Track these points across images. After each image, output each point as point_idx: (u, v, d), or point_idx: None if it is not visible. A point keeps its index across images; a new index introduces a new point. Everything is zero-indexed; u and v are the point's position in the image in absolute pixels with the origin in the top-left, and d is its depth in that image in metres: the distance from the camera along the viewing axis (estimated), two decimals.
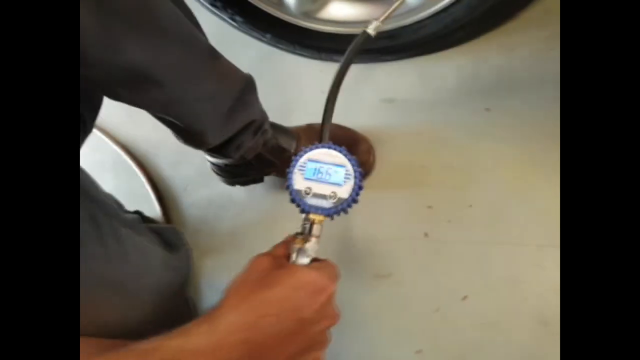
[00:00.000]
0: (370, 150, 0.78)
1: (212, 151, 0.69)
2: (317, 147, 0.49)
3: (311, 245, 0.47)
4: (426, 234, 0.75)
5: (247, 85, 0.62)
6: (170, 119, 0.58)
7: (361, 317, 0.75)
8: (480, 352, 0.69)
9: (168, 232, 0.70)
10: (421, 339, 0.72)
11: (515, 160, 0.74)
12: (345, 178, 0.47)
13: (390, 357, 0.72)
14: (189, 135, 0.63)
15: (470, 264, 0.71)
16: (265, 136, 0.69)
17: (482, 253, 0.71)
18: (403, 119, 0.81)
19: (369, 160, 0.77)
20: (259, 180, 0.82)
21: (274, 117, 0.73)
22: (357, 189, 0.47)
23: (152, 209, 0.94)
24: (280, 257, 0.45)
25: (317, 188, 0.47)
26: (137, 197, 0.95)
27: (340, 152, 0.48)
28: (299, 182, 0.48)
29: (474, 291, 0.71)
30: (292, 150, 0.74)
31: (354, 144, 0.77)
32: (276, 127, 0.73)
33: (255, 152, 0.70)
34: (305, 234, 0.47)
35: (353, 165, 0.48)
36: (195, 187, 0.94)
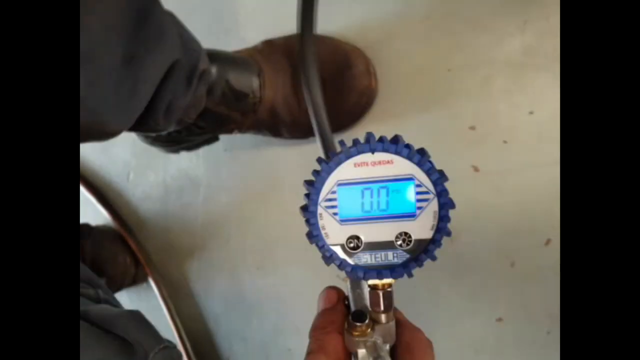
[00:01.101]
0: (369, 69, 0.51)
1: (132, 130, 0.42)
2: (345, 156, 0.27)
3: (386, 330, 0.28)
4: (476, 168, 0.53)
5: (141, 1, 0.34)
6: None
7: (424, 292, 0.56)
8: None
9: (127, 325, 0.43)
10: (500, 303, 0.54)
11: None
12: (419, 200, 0.27)
13: (469, 329, 0.56)
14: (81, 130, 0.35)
15: (547, 195, 0.51)
16: (208, 79, 0.43)
17: (557, 177, 0.50)
18: (401, 2, 0.52)
19: (371, 84, 0.51)
20: (212, 139, 0.57)
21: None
22: (445, 214, 0.27)
23: (97, 213, 0.71)
24: None
25: (370, 232, 0.27)
26: None
27: (395, 150, 0.27)
28: (332, 230, 0.28)
29: (558, 231, 0.51)
30: (257, 91, 0.48)
31: (344, 67, 0.50)
32: (221, 59, 0.46)
33: (198, 110, 0.44)
34: (367, 312, 0.28)
35: (428, 171, 0.27)
36: (140, 173, 0.69)
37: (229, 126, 0.50)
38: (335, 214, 0.27)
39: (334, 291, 0.32)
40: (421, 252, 0.27)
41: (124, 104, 0.34)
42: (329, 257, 0.28)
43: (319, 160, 0.28)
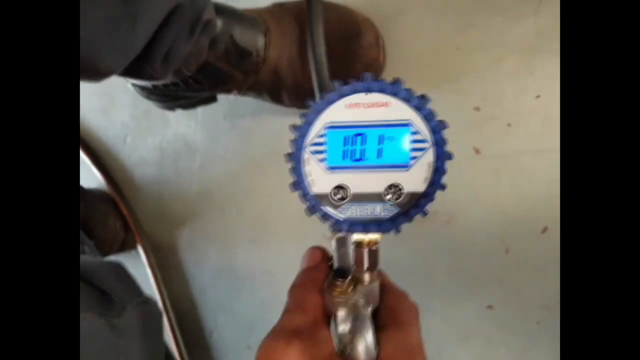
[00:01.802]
0: (378, 41, 0.50)
1: (126, 75, 0.41)
2: (337, 94, 0.25)
3: (369, 291, 0.26)
4: (477, 150, 0.52)
5: None
6: None
7: (410, 275, 0.55)
8: None
9: (106, 275, 0.42)
10: (493, 290, 0.53)
11: None
12: (414, 149, 0.24)
13: (460, 315, 0.55)
14: None
15: (547, 182, 0.50)
16: (212, 31, 0.42)
17: (559, 164, 0.49)
18: None
19: (379, 57, 0.51)
20: (210, 99, 0.55)
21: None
22: (441, 166, 0.25)
23: (92, 175, 0.70)
24: (319, 340, 0.24)
25: (358, 183, 0.25)
26: None
27: (392, 91, 0.25)
28: (318, 178, 0.26)
29: (556, 219, 0.50)
30: (262, 50, 0.47)
31: (352, 36, 0.49)
32: (228, 13, 0.45)
33: (198, 62, 0.43)
34: (350, 271, 0.27)
35: (427, 116, 0.25)
36: (137, 136, 0.67)
37: (229, 85, 0.49)
38: (322, 160, 0.25)
39: (319, 250, 0.31)
40: (412, 206, 0.25)
41: (120, 42, 0.33)
42: (312, 208, 0.26)
43: (307, 100, 0.26)
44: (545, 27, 0.48)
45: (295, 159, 0.25)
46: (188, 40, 0.39)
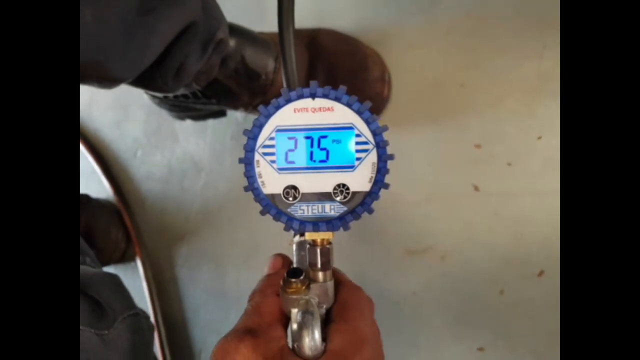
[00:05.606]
0: (384, 76, 0.51)
1: (138, 85, 0.43)
2: (284, 100, 0.27)
3: (323, 290, 0.28)
4: (476, 187, 0.52)
5: None
6: None
7: (399, 309, 0.54)
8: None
9: (102, 286, 0.43)
10: (484, 332, 0.52)
11: None
12: (358, 151, 0.26)
13: (449, 356, 0.53)
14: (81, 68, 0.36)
15: (545, 224, 0.49)
16: (224, 51, 0.43)
17: (558, 207, 0.49)
18: (419, 10, 0.53)
19: (384, 92, 0.52)
20: (219, 113, 0.57)
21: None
22: (384, 166, 0.27)
23: (100, 186, 0.71)
24: (271, 337, 0.26)
25: (308, 183, 0.27)
26: (82, 174, 0.72)
27: (336, 97, 0.26)
28: (270, 179, 0.27)
29: (552, 263, 0.49)
30: (271, 73, 0.49)
31: (360, 69, 0.50)
32: (241, 34, 0.47)
33: (208, 79, 0.45)
34: (304, 270, 0.28)
35: (368, 119, 0.26)
36: (147, 151, 0.69)
37: (235, 102, 0.51)
38: (273, 161, 0.27)
39: (280, 257, 0.32)
40: (359, 204, 0.26)
41: (132, 52, 0.35)
42: (264, 208, 0.27)
43: (258, 105, 0.27)
44: (549, 70, 0.49)
45: (247, 161, 0.27)
46: (200, 57, 0.41)
